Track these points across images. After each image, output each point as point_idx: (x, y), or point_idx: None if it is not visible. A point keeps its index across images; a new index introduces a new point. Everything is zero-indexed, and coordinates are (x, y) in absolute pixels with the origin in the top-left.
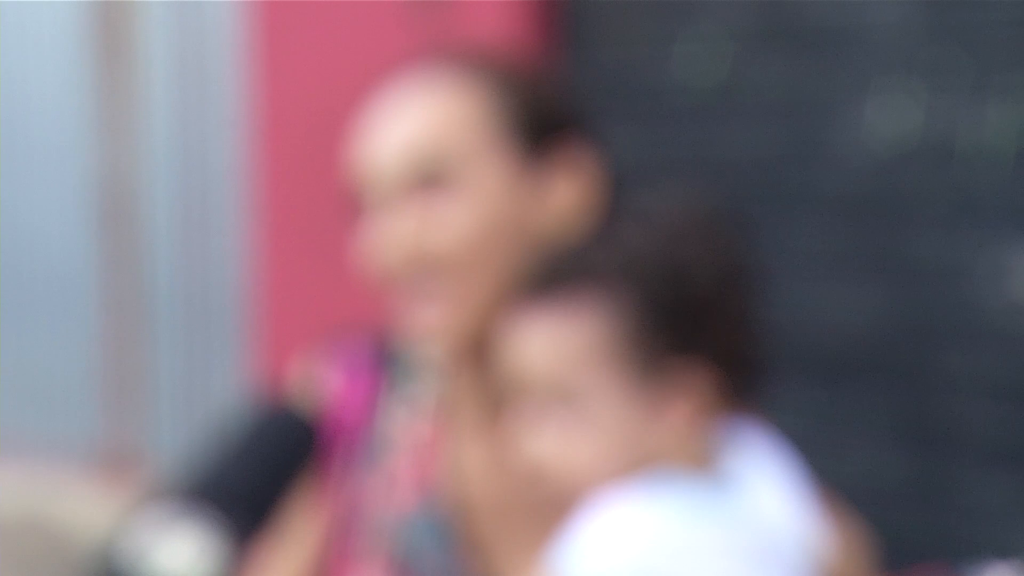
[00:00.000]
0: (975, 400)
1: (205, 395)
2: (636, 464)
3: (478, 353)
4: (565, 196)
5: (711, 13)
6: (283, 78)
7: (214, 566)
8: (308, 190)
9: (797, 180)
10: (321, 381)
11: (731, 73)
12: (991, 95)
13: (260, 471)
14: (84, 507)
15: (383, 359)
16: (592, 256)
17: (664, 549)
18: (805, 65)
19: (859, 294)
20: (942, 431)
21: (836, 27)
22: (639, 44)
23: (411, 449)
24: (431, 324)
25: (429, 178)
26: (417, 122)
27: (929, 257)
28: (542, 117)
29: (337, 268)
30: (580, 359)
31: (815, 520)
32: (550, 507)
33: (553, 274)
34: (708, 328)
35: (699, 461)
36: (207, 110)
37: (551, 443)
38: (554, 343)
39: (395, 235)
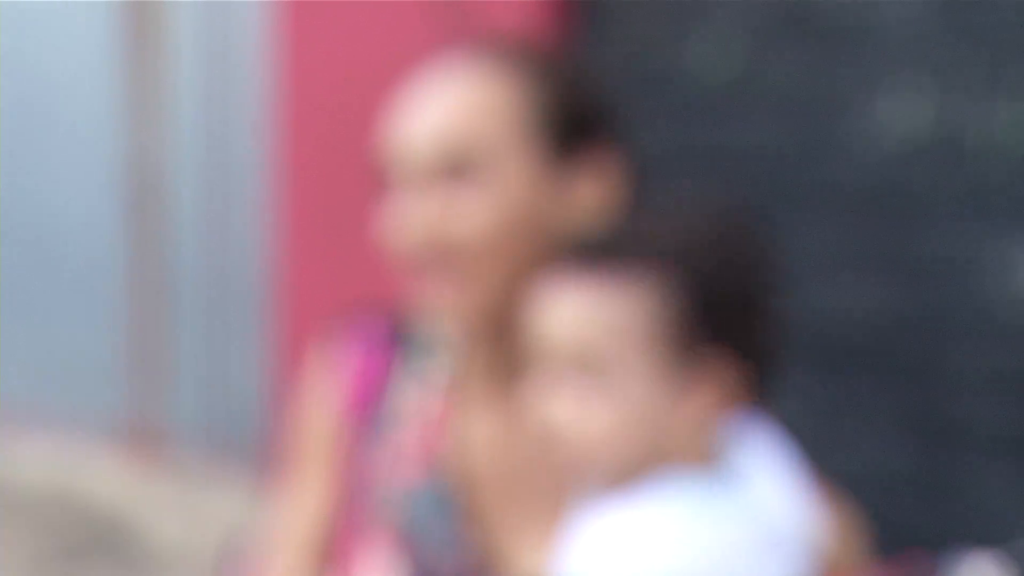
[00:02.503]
0: (984, 394)
1: (226, 372)
2: (648, 443)
3: (490, 332)
4: (588, 197)
5: (726, 8)
6: (307, 63)
7: None
8: (330, 174)
9: (809, 174)
10: (338, 358)
11: (745, 68)
12: (1002, 91)
13: None
14: (108, 479)
15: (398, 336)
16: (651, 234)
17: (684, 550)
18: (818, 60)
19: (869, 287)
20: (950, 424)
21: (849, 23)
22: (654, 39)
23: (420, 423)
24: (444, 302)
25: (457, 167)
26: (453, 110)
27: (939, 251)
28: (574, 116)
29: (356, 250)
30: (619, 331)
31: (813, 510)
32: (562, 473)
33: (605, 245)
34: (744, 323)
35: (707, 455)
36: (233, 95)
37: (569, 410)
38: (596, 312)
39: (417, 218)
